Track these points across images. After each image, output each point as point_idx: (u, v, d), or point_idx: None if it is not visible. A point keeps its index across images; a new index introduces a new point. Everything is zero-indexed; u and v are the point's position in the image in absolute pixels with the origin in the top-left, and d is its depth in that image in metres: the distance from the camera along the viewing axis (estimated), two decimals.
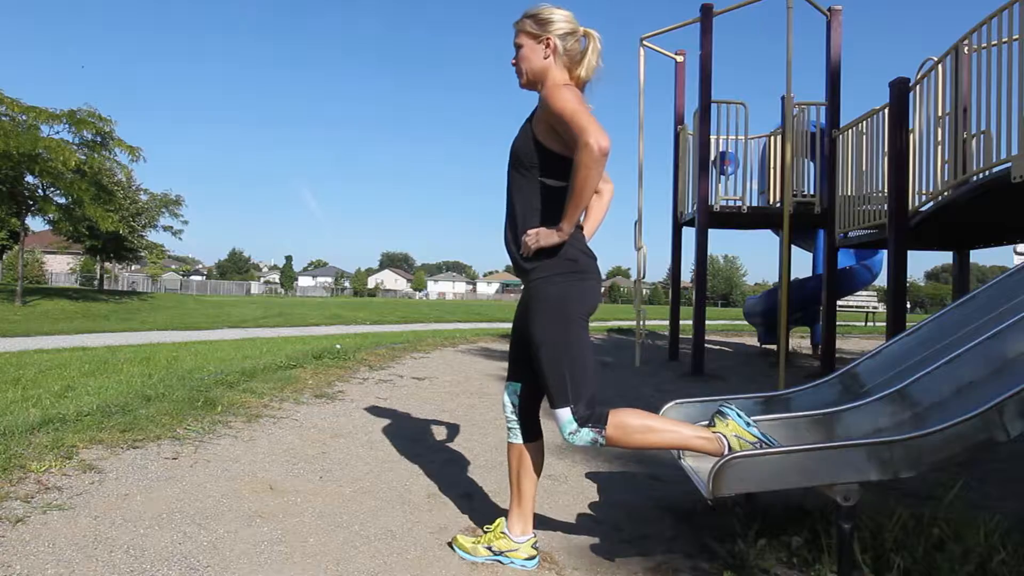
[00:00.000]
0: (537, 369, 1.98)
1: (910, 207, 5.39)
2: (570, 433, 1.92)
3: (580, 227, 2.03)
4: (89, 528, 2.18)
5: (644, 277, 7.54)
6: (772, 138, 7.93)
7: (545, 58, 1.99)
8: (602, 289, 2.08)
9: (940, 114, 5.08)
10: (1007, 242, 6.76)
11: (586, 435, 1.91)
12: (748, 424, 2.01)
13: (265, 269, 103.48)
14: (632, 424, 1.93)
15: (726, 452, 1.93)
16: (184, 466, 2.92)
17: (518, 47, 2.02)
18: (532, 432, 2.14)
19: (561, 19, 1.99)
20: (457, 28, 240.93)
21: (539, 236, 1.92)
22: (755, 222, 8.28)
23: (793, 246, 8.51)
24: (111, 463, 2.85)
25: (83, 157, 16.61)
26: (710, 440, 1.96)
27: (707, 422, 2.07)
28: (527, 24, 2.00)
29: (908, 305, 8.27)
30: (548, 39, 1.98)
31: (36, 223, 20.95)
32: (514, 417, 2.13)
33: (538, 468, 2.14)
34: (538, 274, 1.96)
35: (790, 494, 2.40)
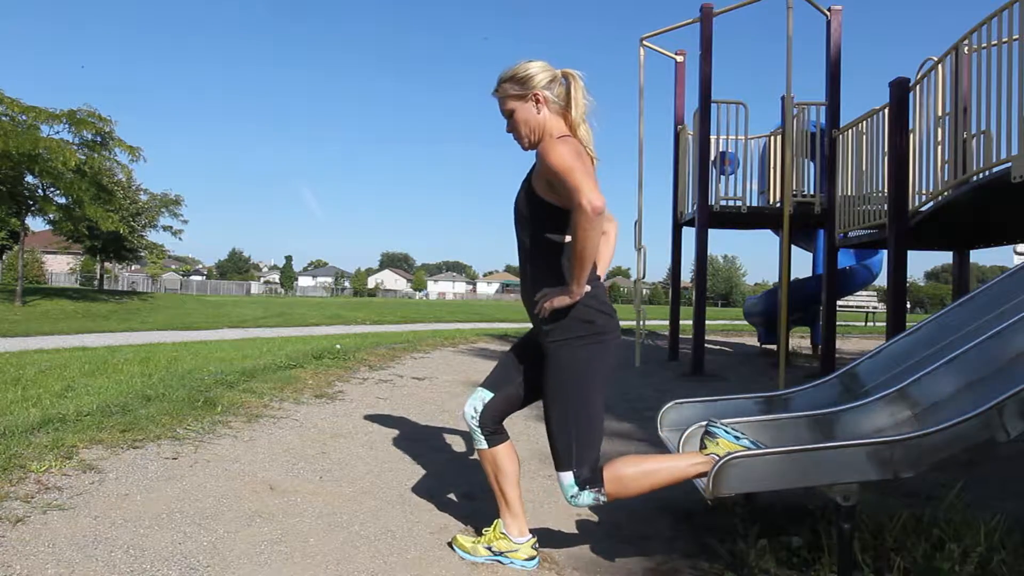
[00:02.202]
0: (546, 423, 1.99)
1: (910, 207, 5.39)
2: (571, 496, 1.94)
3: (597, 277, 1.99)
4: (89, 528, 2.19)
5: (644, 277, 7.54)
6: (772, 138, 7.94)
7: (539, 114, 1.95)
8: (620, 345, 2.07)
9: (940, 114, 5.07)
10: (1007, 242, 6.76)
11: (587, 497, 1.93)
12: (738, 438, 2.01)
13: (265, 269, 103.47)
14: (627, 474, 1.94)
15: None
16: (184, 466, 2.92)
17: (509, 113, 1.98)
18: (497, 436, 2.13)
19: (539, 70, 1.94)
20: (458, 28, 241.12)
21: (552, 299, 1.89)
22: (755, 222, 8.28)
23: (793, 246, 8.51)
24: (111, 463, 2.85)
25: (83, 157, 16.61)
26: (706, 464, 1.95)
27: (699, 446, 2.07)
28: (509, 89, 1.96)
29: (908, 305, 8.27)
30: (536, 95, 1.94)
31: (36, 223, 20.96)
32: (476, 425, 2.11)
33: (515, 468, 2.14)
34: (554, 337, 1.94)
35: (790, 494, 2.40)
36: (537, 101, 1.94)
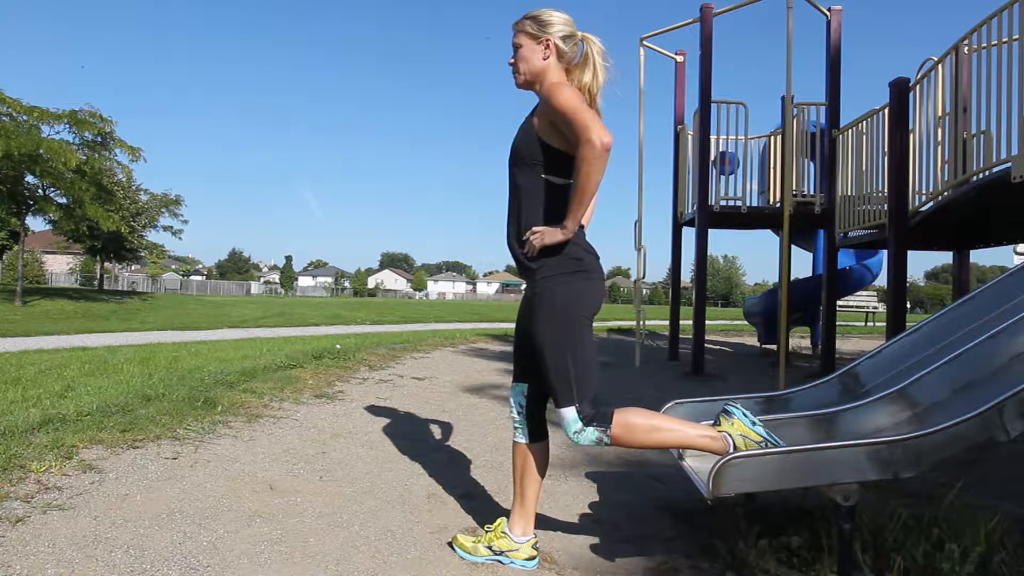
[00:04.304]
0: (541, 368, 1.98)
1: (910, 207, 5.39)
2: (575, 432, 1.92)
3: (581, 224, 2.04)
4: (89, 528, 2.19)
5: (644, 277, 7.54)
6: (772, 138, 7.94)
7: (544, 59, 2.00)
8: (605, 287, 2.08)
9: (940, 114, 5.07)
10: (1007, 242, 6.76)
11: (591, 434, 1.91)
12: (754, 423, 2.01)
13: (265, 269, 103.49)
14: (637, 423, 1.93)
15: (731, 451, 1.93)
16: (184, 466, 2.91)
17: (517, 47, 2.03)
18: (538, 432, 2.14)
19: (561, 22, 2.00)
20: (458, 28, 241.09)
21: (543, 235, 1.92)
22: (755, 222, 8.28)
23: (793, 246, 8.50)
24: (111, 463, 2.85)
25: (83, 157, 16.62)
26: (715, 439, 1.96)
27: (712, 421, 2.07)
28: (527, 25, 2.01)
29: (908, 305, 8.27)
30: (548, 40, 1.99)
31: (36, 223, 20.98)
32: (520, 417, 2.13)
33: (542, 469, 2.14)
34: (543, 273, 1.97)
35: (790, 494, 2.40)
36: (547, 47, 2.00)
